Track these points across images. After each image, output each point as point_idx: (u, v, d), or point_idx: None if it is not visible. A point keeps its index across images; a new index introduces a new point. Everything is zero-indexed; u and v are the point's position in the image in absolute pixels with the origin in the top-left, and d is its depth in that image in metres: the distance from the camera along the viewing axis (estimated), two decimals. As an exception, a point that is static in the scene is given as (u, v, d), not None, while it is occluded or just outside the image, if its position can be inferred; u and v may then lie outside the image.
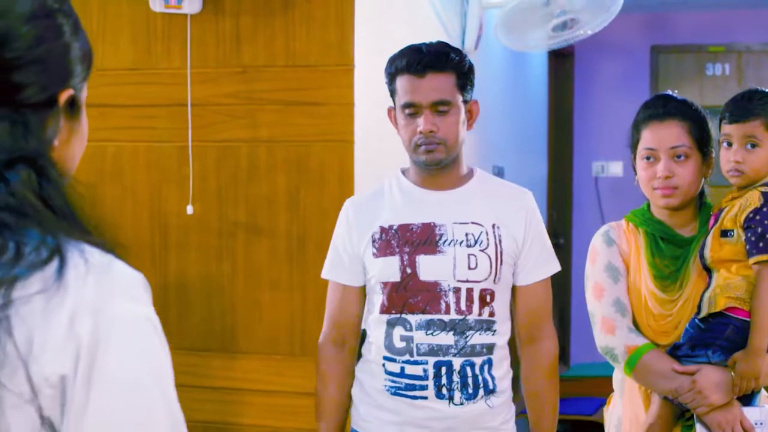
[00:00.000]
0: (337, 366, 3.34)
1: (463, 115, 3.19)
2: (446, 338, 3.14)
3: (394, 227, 3.21)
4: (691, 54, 9.11)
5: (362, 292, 3.31)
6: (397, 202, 3.26)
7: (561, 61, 8.86)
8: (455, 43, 5.20)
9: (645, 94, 8.94)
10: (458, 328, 3.14)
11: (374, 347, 3.25)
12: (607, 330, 3.21)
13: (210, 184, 4.26)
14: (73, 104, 1.44)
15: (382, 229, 3.22)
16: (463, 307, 3.15)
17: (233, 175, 4.23)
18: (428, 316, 3.14)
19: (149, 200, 4.33)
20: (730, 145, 3.15)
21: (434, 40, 3.27)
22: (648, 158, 3.22)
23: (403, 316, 3.17)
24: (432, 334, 3.14)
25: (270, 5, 4.16)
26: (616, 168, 8.67)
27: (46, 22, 1.40)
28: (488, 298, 3.18)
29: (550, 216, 8.47)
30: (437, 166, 3.19)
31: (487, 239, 3.18)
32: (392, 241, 3.19)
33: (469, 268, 3.15)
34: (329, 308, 3.36)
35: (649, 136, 3.22)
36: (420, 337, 3.15)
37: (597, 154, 8.90)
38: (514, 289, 3.28)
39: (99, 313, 1.28)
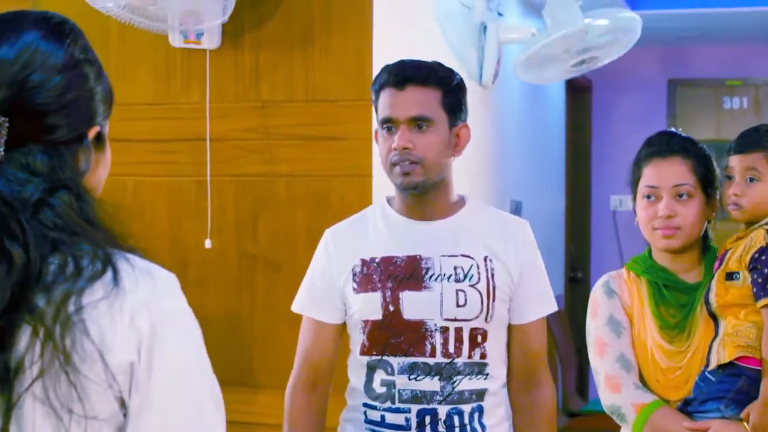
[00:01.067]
0: (308, 411, 3.05)
1: (447, 137, 2.90)
2: (431, 384, 2.84)
3: (377, 260, 2.92)
4: (709, 88, 9.12)
5: (339, 330, 3.03)
6: (381, 232, 2.98)
7: (578, 94, 8.87)
8: (473, 77, 5.21)
9: (662, 128, 8.91)
10: (444, 372, 2.84)
11: (356, 393, 2.96)
12: (612, 388, 3.01)
13: (229, 219, 4.27)
14: (99, 138, 1.69)
15: (364, 262, 2.93)
16: (450, 348, 2.85)
17: (252, 209, 4.24)
18: (411, 359, 2.85)
19: (168, 234, 4.34)
20: (731, 178, 3.02)
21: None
22: (649, 197, 3.05)
23: (385, 358, 2.88)
24: (415, 378, 2.85)
25: (289, 41, 4.18)
26: (634, 202, 8.63)
27: (74, 72, 1.64)
28: (479, 339, 2.88)
29: (568, 250, 8.45)
30: (415, 190, 2.89)
31: (478, 273, 2.88)
32: (374, 276, 2.90)
33: (458, 306, 2.86)
34: (301, 347, 3.09)
35: (650, 174, 3.06)
36: (402, 382, 2.85)
37: (615, 187, 8.88)
38: (509, 328, 2.98)
39: (152, 310, 1.56)
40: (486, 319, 2.88)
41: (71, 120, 1.63)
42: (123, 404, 1.56)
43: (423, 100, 2.88)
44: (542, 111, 7.70)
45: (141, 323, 1.55)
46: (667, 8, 7.62)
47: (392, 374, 2.86)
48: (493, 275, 2.90)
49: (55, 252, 1.54)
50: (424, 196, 2.92)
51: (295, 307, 3.12)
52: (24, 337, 1.51)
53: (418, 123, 2.87)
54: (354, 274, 2.94)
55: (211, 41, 4.17)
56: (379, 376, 2.89)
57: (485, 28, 5.34)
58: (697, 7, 7.62)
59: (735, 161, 3.03)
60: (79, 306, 1.52)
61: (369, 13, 4.10)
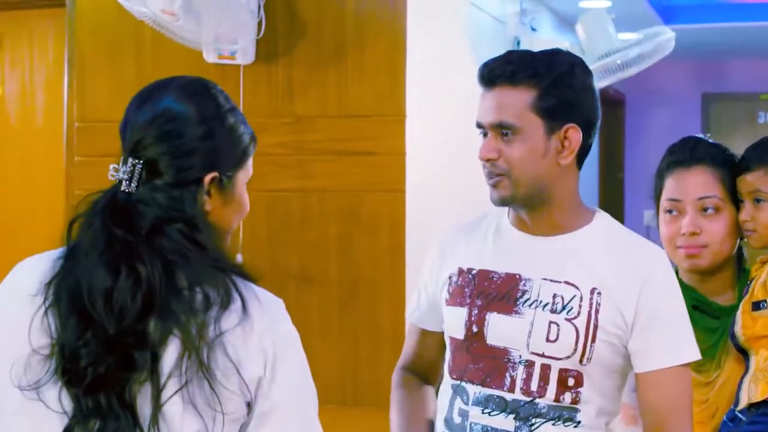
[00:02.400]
0: (411, 382, 2.72)
1: (542, 145, 2.42)
2: (504, 422, 2.42)
3: (474, 272, 2.52)
4: (743, 102, 9.09)
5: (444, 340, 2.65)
6: (488, 241, 2.56)
7: (612, 108, 8.85)
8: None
9: (697, 143, 8.92)
10: (522, 412, 2.41)
11: (439, 422, 2.59)
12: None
13: (261, 233, 4.27)
14: (222, 182, 1.99)
15: (460, 272, 2.54)
16: (533, 386, 2.41)
17: (284, 223, 4.25)
18: (487, 390, 2.45)
19: (202, 249, 4.36)
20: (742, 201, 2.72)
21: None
22: (671, 211, 2.74)
23: (463, 384, 2.49)
24: (489, 413, 2.44)
25: (322, 56, 4.20)
26: (667, 217, 8.62)
27: (200, 128, 1.98)
28: (571, 382, 2.41)
29: (602, 265, 8.42)
30: (507, 206, 2.51)
31: (579, 306, 2.41)
32: (466, 289, 2.51)
33: (548, 340, 2.41)
34: (404, 349, 2.77)
35: (672, 186, 2.74)
36: (475, 415, 2.46)
37: (648, 203, 8.79)
38: (637, 377, 2.47)
39: (275, 333, 1.92)
40: (581, 361, 2.41)
41: (188, 165, 1.96)
42: (249, 407, 1.91)
43: (508, 102, 2.42)
44: (575, 125, 7.68)
45: (266, 345, 1.90)
46: (701, 23, 7.60)
47: (467, 404, 2.48)
48: (597, 311, 2.41)
49: (178, 275, 1.88)
50: (529, 210, 2.50)
51: (406, 313, 2.78)
52: (173, 350, 1.85)
53: (502, 130, 2.43)
54: (449, 284, 2.57)
55: (245, 57, 4.18)
56: (458, 404, 2.51)
57: (518, 42, 5.33)
58: (731, 21, 7.60)
59: (740, 184, 2.72)
60: (220, 332, 1.86)
61: (402, 28, 4.11)
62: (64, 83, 4.59)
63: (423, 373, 2.74)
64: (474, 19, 4.91)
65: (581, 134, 2.45)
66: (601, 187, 8.52)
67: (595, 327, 2.40)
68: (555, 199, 2.47)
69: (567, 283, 2.43)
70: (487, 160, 2.44)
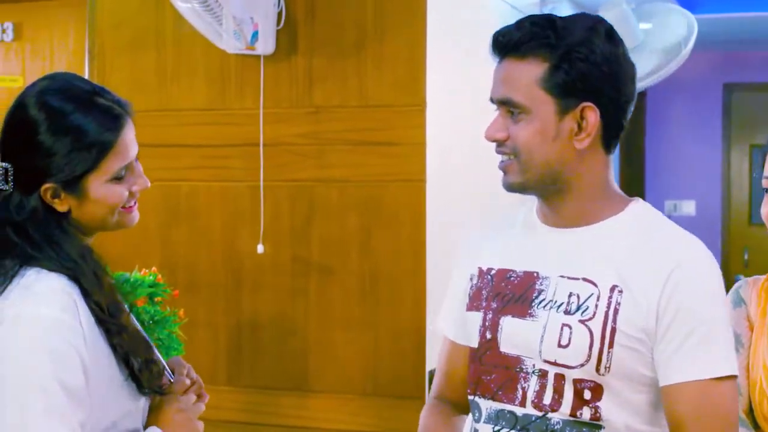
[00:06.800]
0: (437, 418, 2.37)
1: (553, 126, 2.10)
2: None
3: (493, 272, 2.23)
4: (764, 92, 9.04)
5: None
6: (512, 236, 2.26)
7: (632, 99, 8.83)
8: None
9: (718, 133, 8.90)
10: (532, 429, 2.11)
11: None
12: None
13: (283, 224, 4.28)
14: (72, 186, 2.03)
15: (480, 272, 2.26)
16: (546, 399, 2.10)
17: (306, 214, 4.25)
18: (498, 405, 2.15)
19: (222, 240, 4.36)
20: None
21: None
22: (766, 190, 2.37)
23: (476, 399, 2.21)
24: (499, 431, 2.15)
25: (342, 46, 4.19)
26: (689, 207, 8.59)
27: (30, 142, 2.02)
28: (588, 395, 2.07)
29: (622, 255, 8.40)
30: (518, 192, 2.18)
31: (596, 306, 2.07)
32: (483, 291, 2.22)
33: (559, 345, 2.08)
34: (438, 363, 2.43)
35: None
36: None
37: (669, 192, 8.83)
38: (661, 391, 2.09)
39: (5, 311, 1.95)
40: (598, 370, 2.07)
41: (21, 178, 2.04)
42: None
43: (515, 77, 2.11)
44: (596, 116, 7.66)
45: None
46: (722, 12, 7.57)
47: (479, 421, 2.20)
48: (616, 312, 2.07)
49: None
50: (546, 199, 2.20)
51: (438, 320, 2.44)
52: None
53: (510, 108, 2.12)
54: (470, 287, 2.28)
55: (265, 47, 4.18)
56: (472, 423, 2.23)
57: (538, 32, 5.31)
58: (752, 10, 7.57)
59: None
60: None
61: (423, 18, 4.10)
62: (85, 74, 4.60)
63: (455, 400, 2.37)
64: (494, 9, 4.90)
65: (599, 114, 2.14)
66: (622, 178, 8.50)
67: (613, 330, 2.06)
68: (574, 187, 2.16)
69: (585, 279, 2.11)
70: (494, 140, 2.15)
